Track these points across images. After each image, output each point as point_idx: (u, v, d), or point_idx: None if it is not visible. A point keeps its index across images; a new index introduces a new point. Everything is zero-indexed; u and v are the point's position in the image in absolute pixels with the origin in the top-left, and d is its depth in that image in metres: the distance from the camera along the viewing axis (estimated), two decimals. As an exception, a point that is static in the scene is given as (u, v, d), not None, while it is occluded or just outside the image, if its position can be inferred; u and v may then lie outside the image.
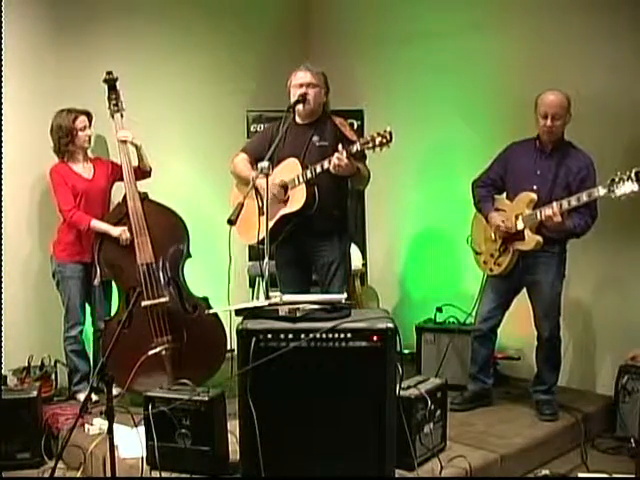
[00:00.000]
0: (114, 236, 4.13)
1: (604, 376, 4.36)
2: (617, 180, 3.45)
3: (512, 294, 4.08)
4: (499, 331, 4.21)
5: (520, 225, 3.86)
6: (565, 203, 3.66)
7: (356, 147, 3.59)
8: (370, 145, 3.53)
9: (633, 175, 3.40)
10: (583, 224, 3.79)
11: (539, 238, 3.82)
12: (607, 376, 4.28)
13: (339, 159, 3.60)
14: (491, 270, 4.05)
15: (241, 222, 3.56)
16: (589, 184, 3.70)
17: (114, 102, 4.27)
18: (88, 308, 4.37)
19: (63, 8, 4.51)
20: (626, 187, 3.42)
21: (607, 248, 4.30)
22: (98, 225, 4.15)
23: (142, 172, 4.32)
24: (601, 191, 3.53)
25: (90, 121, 4.24)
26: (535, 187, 3.87)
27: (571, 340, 4.43)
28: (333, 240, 3.92)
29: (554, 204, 3.68)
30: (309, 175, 3.74)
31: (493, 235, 4.02)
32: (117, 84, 4.28)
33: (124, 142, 4.23)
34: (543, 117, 3.81)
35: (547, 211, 3.69)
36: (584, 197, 3.61)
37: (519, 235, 3.89)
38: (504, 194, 4.08)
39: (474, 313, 4.24)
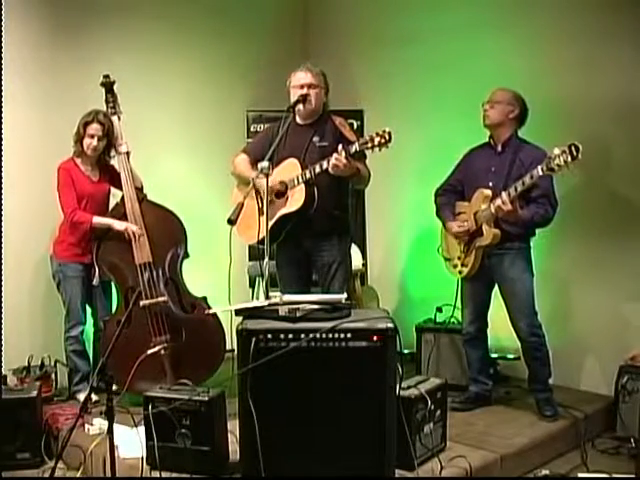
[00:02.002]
0: (118, 230, 4.12)
1: (603, 376, 4.35)
2: (554, 157, 3.47)
3: (487, 293, 4.09)
4: (499, 332, 4.21)
5: (478, 222, 3.89)
6: (512, 190, 3.69)
7: (355, 148, 3.59)
8: (369, 145, 3.53)
9: (566, 148, 3.42)
10: (542, 212, 3.81)
11: (496, 231, 3.84)
12: (607, 376, 4.28)
13: (337, 160, 3.60)
14: (460, 273, 4.08)
15: (241, 222, 3.56)
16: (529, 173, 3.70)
17: (111, 105, 4.25)
18: (89, 309, 4.37)
19: (63, 8, 4.52)
20: (561, 160, 3.44)
21: (604, 246, 4.31)
22: (100, 221, 4.14)
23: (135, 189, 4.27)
24: (540, 171, 3.56)
25: (104, 132, 4.16)
26: (490, 184, 3.91)
27: (571, 340, 4.43)
28: (333, 240, 3.92)
29: (503, 193, 3.71)
30: (308, 175, 3.74)
31: (457, 238, 4.06)
32: (114, 87, 4.27)
33: (125, 153, 4.23)
34: (485, 103, 3.97)
35: (497, 201, 3.72)
36: (527, 179, 3.64)
37: (478, 232, 3.92)
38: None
39: (458, 316, 4.27)
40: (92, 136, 4.16)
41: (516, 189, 3.67)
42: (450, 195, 4.14)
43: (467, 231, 3.96)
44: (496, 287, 4.06)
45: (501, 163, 3.93)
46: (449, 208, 4.11)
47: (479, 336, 4.15)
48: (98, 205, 4.25)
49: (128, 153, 4.23)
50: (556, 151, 3.46)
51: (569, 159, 3.42)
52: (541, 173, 3.56)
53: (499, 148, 3.98)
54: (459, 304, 4.31)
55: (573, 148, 3.40)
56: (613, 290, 4.34)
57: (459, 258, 4.07)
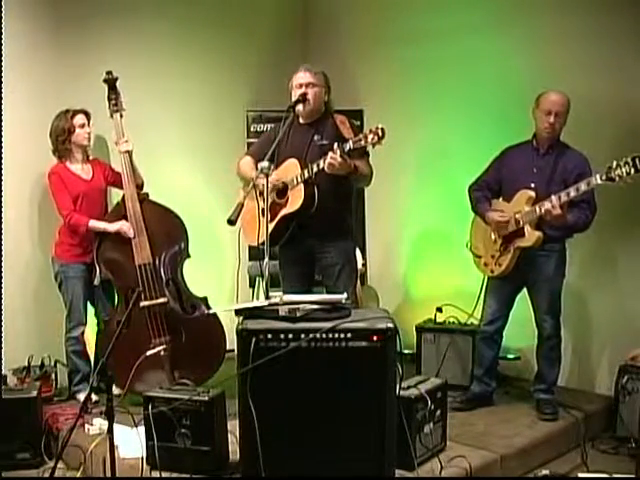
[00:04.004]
0: (112, 232, 4.12)
1: (604, 376, 4.36)
2: (614, 167, 3.45)
3: (514, 294, 4.09)
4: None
5: (520, 222, 3.87)
6: (564, 195, 3.66)
7: (348, 145, 3.59)
8: (362, 142, 3.53)
9: (630, 160, 3.40)
10: (584, 218, 3.81)
11: (539, 234, 3.83)
12: (607, 376, 4.28)
13: (332, 158, 3.59)
14: (492, 272, 4.05)
15: (246, 223, 3.55)
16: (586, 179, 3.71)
17: (114, 102, 4.27)
18: (91, 309, 4.37)
19: (63, 8, 4.51)
20: (623, 171, 3.42)
21: (605, 246, 4.32)
22: (96, 225, 4.15)
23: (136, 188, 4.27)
24: (599, 179, 3.53)
25: (88, 119, 4.24)
26: (533, 185, 3.89)
27: (571, 340, 4.43)
28: (336, 241, 3.91)
29: (553, 197, 3.69)
30: (306, 175, 3.73)
31: (493, 235, 4.03)
32: (117, 84, 4.29)
33: (126, 152, 4.23)
34: (547, 114, 3.85)
35: (546, 204, 3.70)
36: (582, 187, 3.61)
37: (519, 232, 3.90)
38: (500, 199, 4.09)
39: (478, 315, 4.25)
40: (82, 125, 4.19)
41: (568, 194, 3.64)
42: (486, 191, 4.10)
43: (507, 223, 3.93)
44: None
45: (544, 165, 3.90)
46: (486, 201, 4.07)
47: (495, 337, 4.14)
48: (94, 203, 4.24)
49: (129, 152, 4.23)
50: (618, 162, 3.42)
51: (632, 171, 3.39)
52: (600, 182, 3.53)
53: (543, 150, 3.95)
54: (459, 303, 4.32)
55: (638, 161, 3.37)
56: (614, 290, 4.34)
57: (493, 257, 4.03)
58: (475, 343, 4.33)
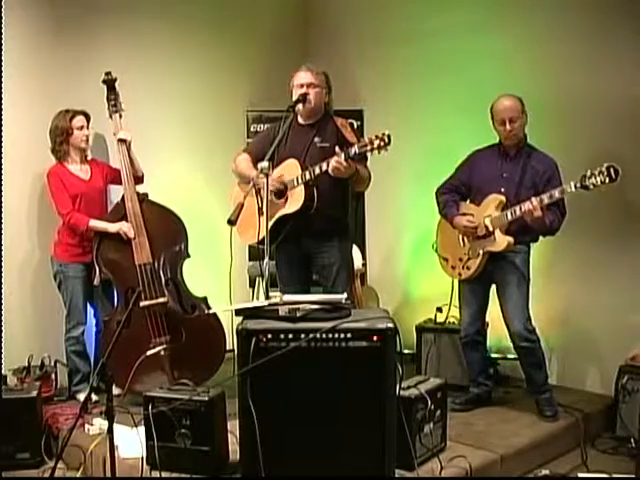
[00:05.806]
0: (112, 232, 4.12)
1: (603, 376, 4.35)
2: (588, 175, 3.48)
3: (486, 293, 4.09)
4: (500, 332, 4.21)
5: (489, 227, 3.87)
6: (546, 198, 3.65)
7: (354, 150, 3.58)
8: (368, 148, 3.52)
9: (604, 169, 3.44)
10: (557, 221, 3.82)
11: (510, 239, 3.83)
12: (607, 376, 4.28)
13: (338, 162, 3.59)
14: (460, 275, 4.06)
15: (241, 222, 3.55)
16: (555, 183, 3.75)
17: (113, 102, 4.27)
18: (90, 309, 4.37)
19: (63, 8, 4.51)
20: (597, 180, 3.45)
21: (600, 245, 4.31)
22: (96, 224, 4.15)
23: (135, 178, 4.27)
24: (573, 187, 3.56)
25: (88, 122, 4.24)
26: (502, 189, 3.89)
27: (571, 340, 4.44)
28: (333, 242, 3.91)
29: (533, 199, 3.68)
30: (308, 177, 3.73)
31: (460, 239, 4.03)
32: (116, 84, 4.29)
33: (123, 141, 4.23)
34: (501, 123, 3.88)
35: (527, 205, 3.69)
36: (556, 194, 3.64)
37: (488, 237, 3.90)
38: (468, 201, 4.09)
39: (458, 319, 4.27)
40: (81, 127, 4.19)
41: (542, 201, 3.65)
42: (454, 194, 4.10)
43: (475, 229, 3.94)
44: (493, 287, 4.06)
45: (513, 169, 3.91)
46: (454, 205, 4.07)
47: (478, 338, 4.14)
48: (93, 203, 4.24)
49: (126, 140, 4.22)
50: (593, 171, 3.45)
51: (607, 181, 3.43)
52: (574, 189, 3.56)
53: (511, 155, 3.95)
54: (455, 303, 4.32)
55: (612, 170, 3.41)
56: (613, 290, 4.33)
57: (460, 260, 4.04)
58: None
